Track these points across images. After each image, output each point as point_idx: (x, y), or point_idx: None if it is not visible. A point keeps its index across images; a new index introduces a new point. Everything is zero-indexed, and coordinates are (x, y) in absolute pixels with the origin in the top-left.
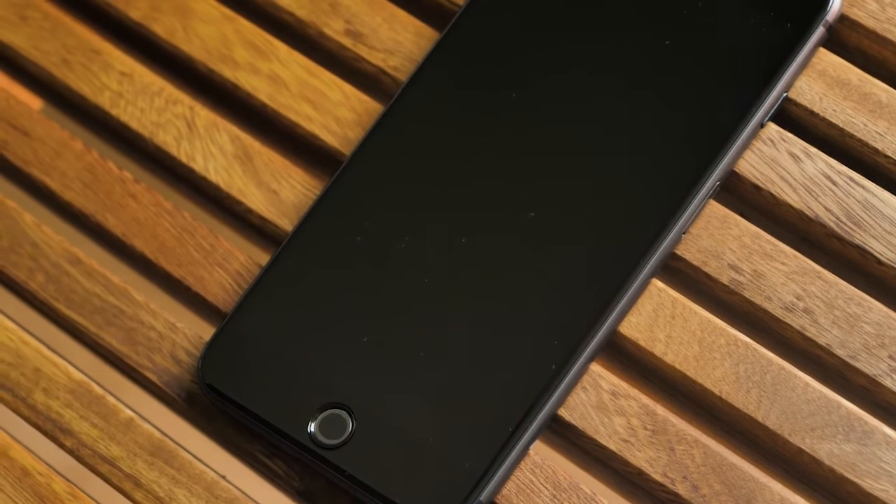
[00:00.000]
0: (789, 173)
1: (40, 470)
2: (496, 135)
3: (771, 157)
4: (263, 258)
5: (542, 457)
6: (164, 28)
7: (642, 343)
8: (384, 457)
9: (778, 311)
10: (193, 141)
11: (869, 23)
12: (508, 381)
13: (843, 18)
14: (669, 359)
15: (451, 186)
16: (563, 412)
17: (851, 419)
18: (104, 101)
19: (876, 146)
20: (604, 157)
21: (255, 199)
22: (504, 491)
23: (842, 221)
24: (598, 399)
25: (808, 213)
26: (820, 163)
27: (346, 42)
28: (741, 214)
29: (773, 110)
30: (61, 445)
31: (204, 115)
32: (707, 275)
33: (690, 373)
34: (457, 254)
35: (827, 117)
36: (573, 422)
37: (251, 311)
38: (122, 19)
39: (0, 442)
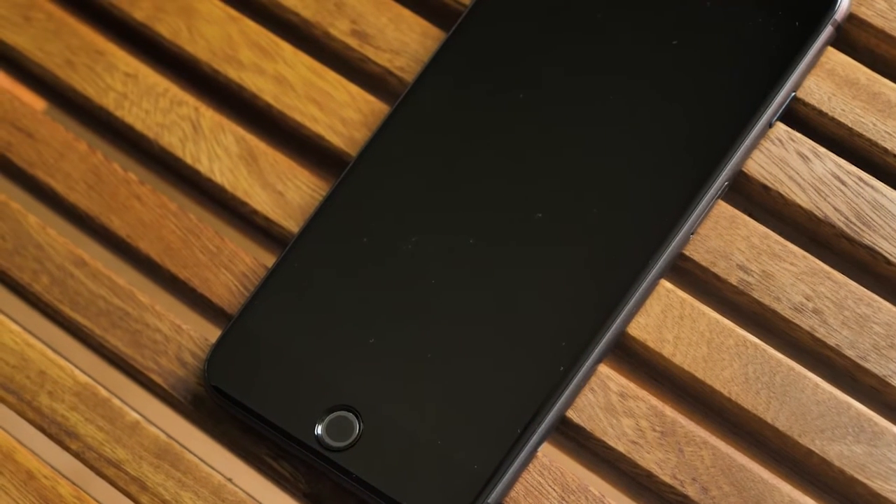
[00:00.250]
0: (798, 173)
1: (46, 473)
2: (503, 135)
3: (780, 157)
4: (269, 260)
5: (550, 459)
6: (169, 29)
7: (651, 344)
8: (392, 459)
9: (787, 312)
10: (198, 142)
11: (877, 22)
12: (516, 383)
13: (851, 17)
14: (678, 360)
15: (457, 187)
16: (571, 414)
17: (861, 420)
18: (109, 102)
19: (885, 146)
20: (611, 157)
21: (260, 201)
22: (512, 493)
23: (851, 222)
24: (607, 400)
25: (817, 213)
26: (829, 163)
27: (352, 42)
28: (749, 215)
29: (781, 110)
30: (67, 448)
31: (209, 116)
32: (716, 275)
33: (699, 374)
34: (464, 255)
35: (836, 117)
36: (581, 423)
37: (257, 312)
38: (126, 20)
39: (5, 445)
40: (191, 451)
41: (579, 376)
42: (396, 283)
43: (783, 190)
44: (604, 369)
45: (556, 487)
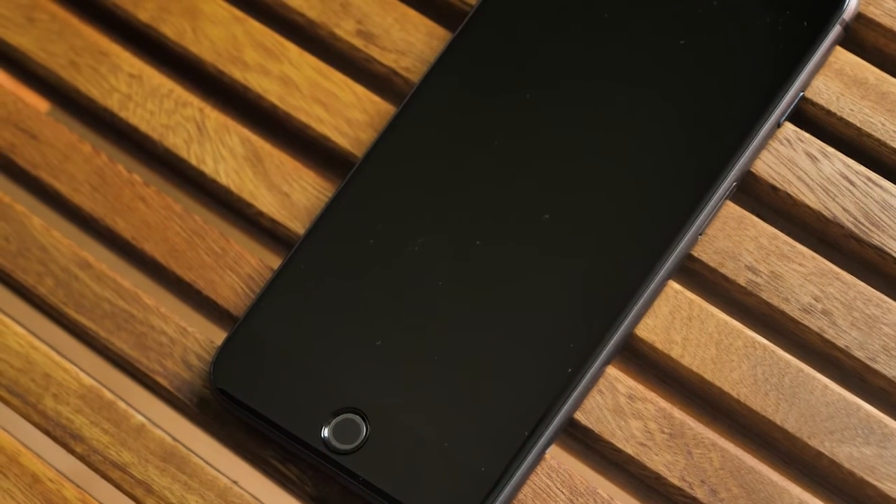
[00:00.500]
0: (806, 173)
1: (51, 476)
2: (510, 136)
3: (788, 158)
4: (275, 261)
5: (558, 461)
6: (173, 29)
7: (659, 346)
8: (399, 462)
9: (796, 313)
10: (203, 143)
11: (886, 21)
12: (524, 385)
13: (859, 17)
14: (686, 361)
15: (464, 188)
16: (579, 416)
17: (871, 421)
18: (113, 103)
19: (894, 146)
20: (619, 158)
21: (266, 202)
22: (520, 496)
23: (860, 222)
24: (615, 402)
25: (825, 213)
26: (837, 163)
27: (358, 43)
28: (758, 215)
29: (789, 110)
30: (72, 451)
31: (214, 117)
32: (724, 276)
33: (708, 375)
34: (471, 256)
35: (844, 117)
36: (590, 425)
37: (263, 314)
38: (130, 21)
39: (10, 448)
40: (196, 454)
41: (587, 378)
42: (403, 285)
43: (791, 190)
44: (612, 371)
45: (564, 490)
